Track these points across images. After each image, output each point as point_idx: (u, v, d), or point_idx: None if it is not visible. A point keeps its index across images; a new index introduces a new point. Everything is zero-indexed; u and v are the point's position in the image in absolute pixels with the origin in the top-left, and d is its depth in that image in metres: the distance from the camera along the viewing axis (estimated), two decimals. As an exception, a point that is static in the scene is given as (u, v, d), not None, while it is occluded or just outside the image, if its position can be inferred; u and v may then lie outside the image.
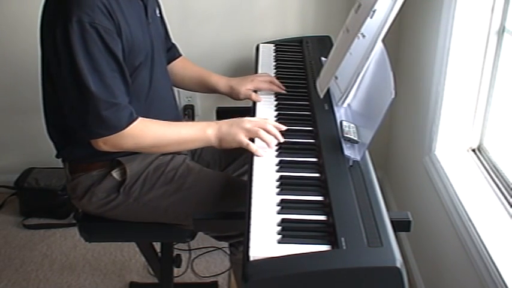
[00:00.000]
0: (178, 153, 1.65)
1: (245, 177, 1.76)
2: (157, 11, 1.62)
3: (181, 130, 1.47)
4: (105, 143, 1.40)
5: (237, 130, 1.42)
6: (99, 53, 1.32)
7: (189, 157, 1.71)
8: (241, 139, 1.41)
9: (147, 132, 1.42)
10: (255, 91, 1.73)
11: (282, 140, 1.41)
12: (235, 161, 1.81)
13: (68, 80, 1.33)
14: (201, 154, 1.79)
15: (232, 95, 1.76)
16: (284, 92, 1.71)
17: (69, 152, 1.53)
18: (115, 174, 1.54)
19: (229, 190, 1.57)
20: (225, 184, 1.59)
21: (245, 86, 1.73)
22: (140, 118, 1.41)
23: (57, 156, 1.60)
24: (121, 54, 1.37)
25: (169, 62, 1.77)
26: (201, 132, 1.45)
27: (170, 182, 1.56)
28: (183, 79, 1.80)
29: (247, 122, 1.44)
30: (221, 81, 1.77)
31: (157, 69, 1.54)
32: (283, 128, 1.44)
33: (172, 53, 1.80)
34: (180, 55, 1.83)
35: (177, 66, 1.80)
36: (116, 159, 1.53)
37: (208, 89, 1.80)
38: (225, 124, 1.45)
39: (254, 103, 1.68)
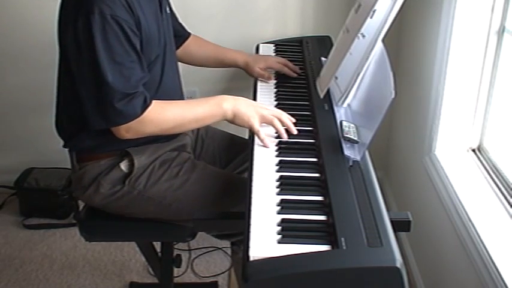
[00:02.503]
0: (183, 150, 1.66)
1: (246, 175, 1.78)
2: (168, 8, 1.66)
3: (198, 108, 1.50)
4: (128, 131, 1.42)
5: (253, 113, 1.47)
6: (120, 44, 1.35)
7: (192, 154, 1.72)
8: (253, 124, 1.46)
9: (166, 114, 1.46)
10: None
11: (295, 132, 1.46)
12: (236, 158, 1.83)
13: (86, 71, 1.36)
14: (201, 153, 1.80)
15: (248, 70, 1.85)
16: (295, 75, 1.81)
17: (78, 141, 1.54)
18: (123, 165, 1.55)
19: (233, 188, 1.59)
20: (228, 182, 1.61)
21: (258, 65, 1.82)
22: (155, 101, 1.44)
23: (65, 146, 1.61)
24: (140, 47, 1.41)
25: (181, 43, 1.83)
26: (217, 107, 1.49)
27: (175, 177, 1.57)
28: (200, 58, 1.88)
29: (264, 108, 1.49)
30: (239, 56, 1.87)
31: (168, 64, 1.57)
32: (294, 132, 1.48)
33: (182, 34, 1.85)
34: (189, 34, 1.88)
35: (193, 46, 1.86)
36: (125, 149, 1.54)
37: (226, 64, 1.90)
38: (244, 103, 1.49)
39: (254, 99, 1.70)
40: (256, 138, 1.45)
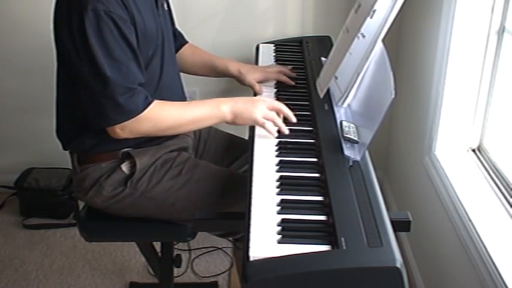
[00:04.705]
0: (184, 150, 1.66)
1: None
2: (165, 5, 1.66)
3: (196, 109, 1.49)
4: (123, 129, 1.41)
5: (253, 108, 1.46)
6: (114, 41, 1.34)
7: (193, 155, 1.72)
8: (257, 118, 1.45)
9: (164, 114, 1.44)
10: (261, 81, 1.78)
11: (286, 132, 1.46)
12: (239, 159, 1.83)
13: (85, 68, 1.35)
14: (203, 153, 1.80)
15: (239, 79, 1.80)
16: (292, 83, 1.76)
17: (79, 142, 1.54)
18: (124, 167, 1.55)
19: (236, 185, 1.58)
20: (231, 179, 1.61)
21: (253, 76, 1.77)
22: (155, 101, 1.43)
23: (65, 148, 1.60)
24: (135, 42, 1.40)
25: (177, 49, 1.81)
26: (215, 109, 1.47)
27: (177, 176, 1.57)
28: (193, 65, 1.84)
29: (263, 102, 1.48)
30: (231, 65, 1.81)
31: (167, 60, 1.57)
32: (293, 120, 1.49)
33: (179, 41, 1.83)
34: (186, 42, 1.87)
35: (186, 53, 1.83)
36: (125, 151, 1.54)
37: (218, 72, 1.84)
38: (241, 101, 1.48)
39: None
40: (256, 137, 1.45)
